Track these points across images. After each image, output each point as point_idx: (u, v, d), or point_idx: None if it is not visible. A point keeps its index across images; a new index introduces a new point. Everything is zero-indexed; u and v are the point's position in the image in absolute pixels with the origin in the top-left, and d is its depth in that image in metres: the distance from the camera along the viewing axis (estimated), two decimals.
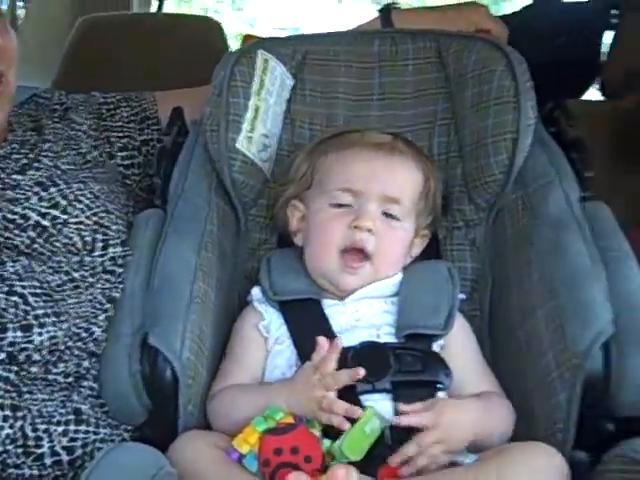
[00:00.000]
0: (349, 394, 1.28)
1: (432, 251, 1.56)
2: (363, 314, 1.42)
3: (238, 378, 1.38)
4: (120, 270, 1.42)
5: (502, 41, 1.69)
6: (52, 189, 1.45)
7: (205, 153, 1.57)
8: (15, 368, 1.32)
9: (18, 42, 1.56)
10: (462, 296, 1.47)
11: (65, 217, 1.43)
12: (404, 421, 1.26)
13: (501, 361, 1.47)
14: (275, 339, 1.41)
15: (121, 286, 1.41)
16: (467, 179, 1.59)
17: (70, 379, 1.36)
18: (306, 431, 1.22)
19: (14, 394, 1.31)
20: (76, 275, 1.40)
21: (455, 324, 1.41)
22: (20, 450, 1.29)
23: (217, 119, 1.55)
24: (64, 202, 1.44)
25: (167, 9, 3.01)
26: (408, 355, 1.35)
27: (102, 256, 1.43)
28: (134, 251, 1.44)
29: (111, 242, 1.44)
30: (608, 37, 2.04)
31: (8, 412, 1.30)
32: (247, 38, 1.73)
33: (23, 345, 1.32)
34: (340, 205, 1.44)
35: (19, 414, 1.30)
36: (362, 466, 1.21)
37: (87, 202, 1.45)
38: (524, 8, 2.07)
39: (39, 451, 1.30)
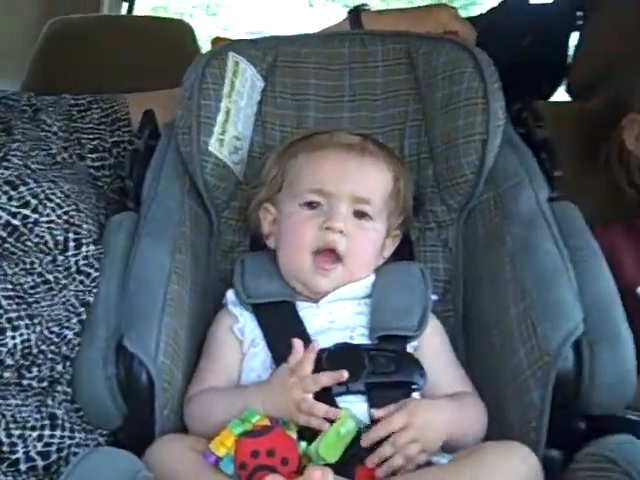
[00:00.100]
0: (325, 396, 1.28)
1: (405, 252, 1.57)
2: (337, 316, 1.42)
3: (214, 381, 1.38)
4: (94, 273, 1.41)
5: (470, 42, 1.71)
6: (22, 188, 1.44)
7: (177, 156, 1.57)
8: None
9: None
10: (435, 297, 1.48)
11: (36, 216, 1.42)
12: (380, 432, 1.26)
13: (475, 361, 1.48)
14: (250, 342, 1.41)
15: (95, 290, 1.40)
16: (438, 180, 1.60)
17: (44, 384, 1.35)
18: (283, 433, 1.22)
19: None
20: (49, 277, 1.39)
21: (428, 325, 1.42)
22: None
23: (189, 122, 1.55)
24: (34, 201, 1.42)
25: (142, 14, 3.01)
26: (382, 356, 1.36)
27: (75, 255, 1.42)
28: (108, 254, 1.43)
29: (84, 241, 1.43)
30: (575, 39, 2.06)
31: None
32: (217, 40, 1.73)
33: None
34: (311, 205, 1.45)
35: None
36: (338, 468, 1.21)
37: (58, 201, 1.44)
38: (491, 10, 2.09)
39: (14, 457, 1.29)
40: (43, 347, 1.34)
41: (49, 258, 1.40)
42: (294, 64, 1.66)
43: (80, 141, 1.66)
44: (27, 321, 1.34)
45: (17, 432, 1.30)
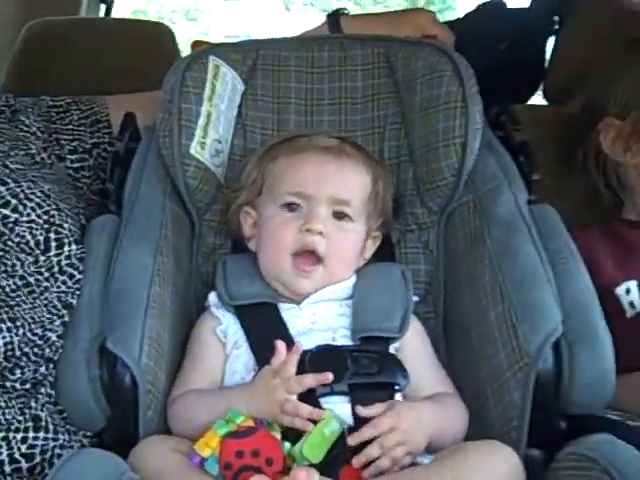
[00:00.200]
0: (308, 397, 1.29)
1: (386, 254, 1.58)
2: (320, 317, 1.43)
3: (197, 383, 1.38)
4: (77, 274, 1.41)
5: (449, 47, 1.72)
6: (1, 188, 1.43)
7: (159, 159, 1.57)
8: None
9: None
10: (416, 298, 1.50)
11: (16, 216, 1.40)
12: (367, 433, 1.27)
13: (456, 362, 1.49)
14: (233, 344, 1.41)
15: (78, 292, 1.39)
16: (418, 183, 1.61)
17: (27, 385, 1.34)
18: (267, 434, 1.23)
19: None
20: (31, 279, 1.39)
21: (410, 327, 1.43)
22: None
23: (170, 125, 1.55)
24: (14, 201, 1.41)
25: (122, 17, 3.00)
26: (364, 357, 1.36)
27: (58, 255, 1.41)
28: (90, 256, 1.43)
29: (65, 240, 1.42)
30: (552, 43, 2.09)
31: None
32: (196, 44, 1.72)
33: None
34: (290, 207, 1.45)
35: None
36: (322, 468, 1.21)
37: (38, 200, 1.43)
38: (468, 14, 2.10)
39: None
40: (26, 349, 1.34)
41: (31, 259, 1.40)
42: (274, 67, 1.67)
43: (59, 142, 1.66)
44: (9, 324, 1.34)
45: (1, 434, 1.29)
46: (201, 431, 1.24)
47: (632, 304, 1.57)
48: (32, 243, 1.40)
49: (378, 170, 1.54)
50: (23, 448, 1.30)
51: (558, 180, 1.76)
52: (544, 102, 2.11)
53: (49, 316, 1.37)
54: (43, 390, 1.35)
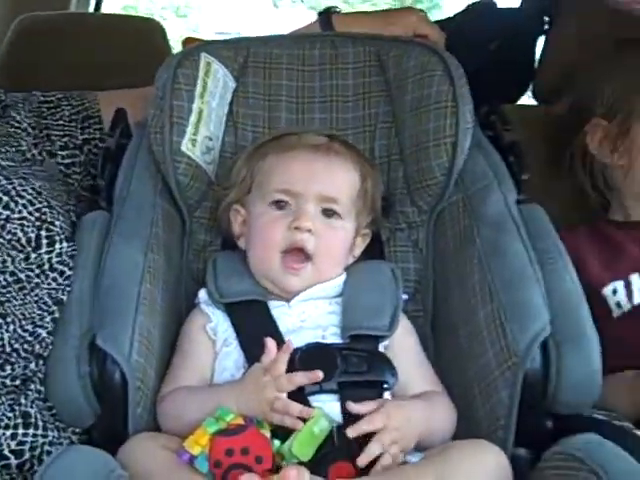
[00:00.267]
0: (298, 395, 1.29)
1: (376, 252, 1.58)
2: (309, 315, 1.43)
3: (187, 380, 1.38)
4: (68, 270, 1.41)
5: (440, 46, 1.73)
6: None
7: (150, 155, 1.57)
8: None
9: None
10: (405, 296, 1.50)
11: (7, 213, 1.40)
12: (365, 426, 1.27)
13: (444, 360, 1.50)
14: (223, 341, 1.41)
15: (68, 288, 1.39)
16: (409, 181, 1.61)
17: (17, 382, 1.34)
18: (257, 432, 1.23)
19: None
20: (21, 275, 1.39)
21: (399, 325, 1.43)
22: None
23: (161, 122, 1.55)
24: (6, 198, 1.41)
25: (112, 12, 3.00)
26: (354, 356, 1.37)
27: (49, 252, 1.41)
28: (81, 252, 1.43)
29: (57, 238, 1.42)
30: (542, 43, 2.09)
31: None
32: (188, 41, 1.73)
33: None
34: (279, 205, 1.46)
35: None
36: (311, 466, 1.21)
37: (29, 197, 1.43)
38: (458, 14, 2.11)
39: None
40: (16, 345, 1.34)
41: (22, 256, 1.40)
42: (265, 65, 1.67)
43: (50, 138, 1.66)
44: (0, 320, 1.34)
45: None
46: (191, 428, 1.24)
47: (619, 304, 1.59)
48: (23, 240, 1.40)
49: (367, 168, 1.55)
50: (12, 445, 1.30)
51: (547, 180, 1.77)
52: (534, 102, 2.12)
53: (39, 312, 1.37)
54: (33, 387, 1.35)
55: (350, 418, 1.30)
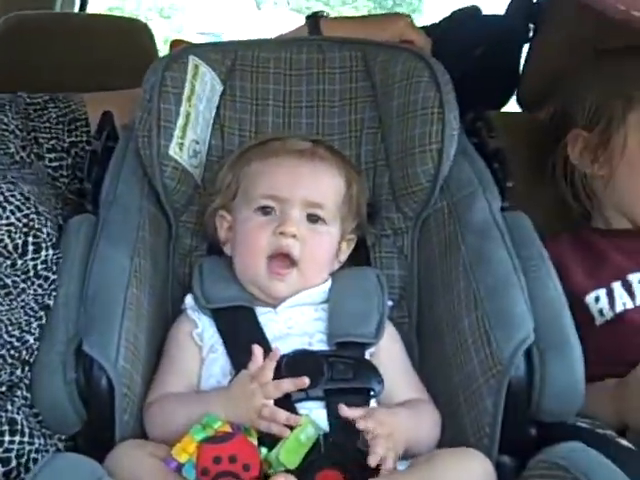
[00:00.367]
0: (285, 402, 1.29)
1: (362, 258, 1.59)
2: (296, 322, 1.43)
3: (174, 387, 1.38)
4: (53, 276, 1.40)
5: (426, 52, 1.73)
6: None
7: (136, 158, 1.57)
8: None
9: None
10: (390, 303, 1.51)
11: None
12: (370, 424, 1.26)
13: (429, 368, 1.50)
14: (209, 347, 1.41)
15: (54, 293, 1.39)
16: (394, 187, 1.61)
17: (3, 388, 1.33)
18: (244, 439, 1.23)
19: None
20: (7, 281, 1.37)
21: (385, 332, 1.44)
22: None
23: (149, 125, 1.54)
24: None
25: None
26: (340, 363, 1.37)
27: (34, 259, 1.40)
28: (66, 257, 1.42)
29: (43, 245, 1.41)
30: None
31: None
32: (175, 43, 1.72)
33: None
34: (264, 210, 1.46)
35: None
36: (298, 474, 1.22)
37: (17, 203, 1.41)
38: (444, 20, 2.12)
39: None
40: (3, 352, 1.32)
41: (8, 262, 1.39)
42: (253, 69, 1.67)
43: (38, 140, 1.65)
44: None
45: None
46: (178, 436, 1.24)
47: (601, 312, 1.59)
48: (10, 247, 1.39)
49: (352, 173, 1.55)
50: None
51: (531, 187, 1.78)
52: (518, 109, 2.13)
53: (26, 318, 1.36)
54: (19, 393, 1.34)
55: (337, 426, 1.30)
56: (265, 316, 1.44)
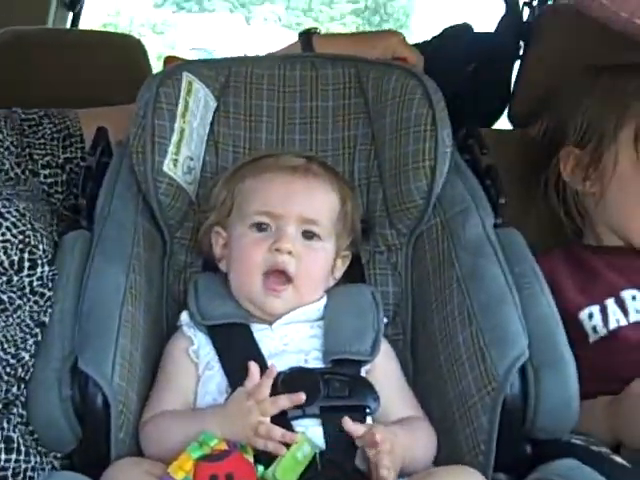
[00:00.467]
0: (281, 420, 1.29)
1: (356, 275, 1.59)
2: (292, 339, 1.43)
3: (170, 404, 1.37)
4: (48, 292, 1.40)
5: (419, 69, 1.74)
6: None
7: (131, 175, 1.57)
8: None
9: None
10: (385, 320, 1.50)
11: None
12: (378, 436, 1.27)
13: (424, 385, 1.50)
14: (205, 364, 1.41)
15: (50, 310, 1.38)
16: (388, 204, 1.62)
17: None
18: (241, 457, 1.22)
19: None
20: (4, 297, 1.37)
21: (380, 349, 1.44)
22: None
23: (143, 141, 1.54)
24: None
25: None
26: (336, 380, 1.37)
27: (30, 276, 1.39)
28: (61, 274, 1.42)
29: (39, 261, 1.41)
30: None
31: None
32: (169, 59, 1.72)
33: None
34: (260, 227, 1.46)
35: None
36: None
37: (13, 220, 1.41)
38: (435, 37, 2.13)
39: None
40: None
41: (4, 278, 1.38)
42: (246, 85, 1.67)
43: (32, 157, 1.64)
44: None
45: None
46: (174, 453, 1.24)
47: (595, 329, 1.60)
48: (6, 263, 1.38)
49: (346, 189, 1.55)
50: None
51: (524, 203, 1.79)
52: (509, 126, 2.14)
53: (22, 335, 1.36)
54: (15, 410, 1.33)
55: (333, 443, 1.30)
56: (261, 333, 1.44)
